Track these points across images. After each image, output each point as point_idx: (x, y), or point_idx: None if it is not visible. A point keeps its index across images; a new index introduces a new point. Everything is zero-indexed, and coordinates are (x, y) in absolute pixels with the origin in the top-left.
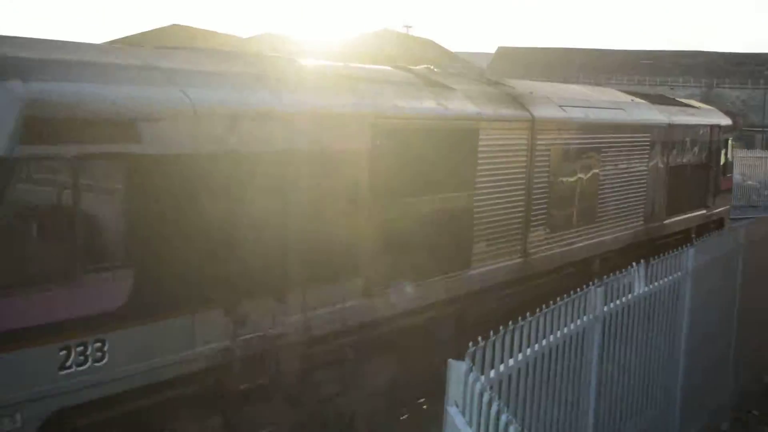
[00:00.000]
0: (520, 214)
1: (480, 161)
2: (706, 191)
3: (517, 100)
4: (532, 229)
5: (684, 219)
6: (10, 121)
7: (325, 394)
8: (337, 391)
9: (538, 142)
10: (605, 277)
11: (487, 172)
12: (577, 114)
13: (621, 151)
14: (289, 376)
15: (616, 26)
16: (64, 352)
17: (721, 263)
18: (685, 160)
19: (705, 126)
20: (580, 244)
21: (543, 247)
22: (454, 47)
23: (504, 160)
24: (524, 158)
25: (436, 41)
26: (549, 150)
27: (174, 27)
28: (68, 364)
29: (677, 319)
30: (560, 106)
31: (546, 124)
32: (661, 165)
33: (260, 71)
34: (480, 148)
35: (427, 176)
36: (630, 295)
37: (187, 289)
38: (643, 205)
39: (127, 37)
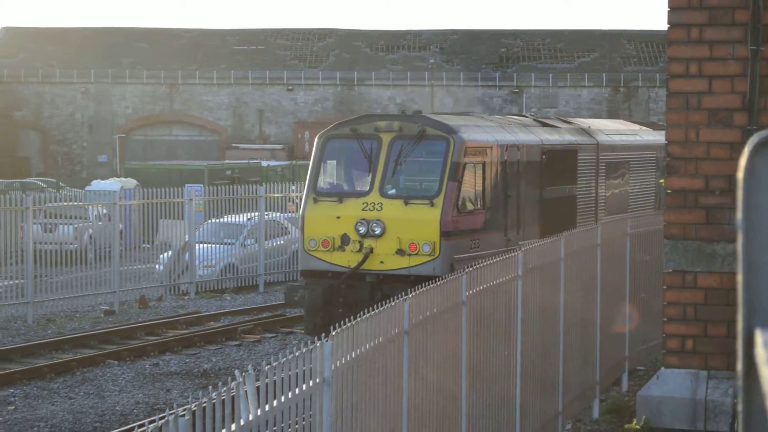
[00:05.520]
0: (593, 201)
1: (578, 168)
2: None
3: (586, 132)
4: (599, 211)
5: None
6: (462, 149)
7: None
8: None
9: (600, 158)
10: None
11: (581, 174)
12: (616, 139)
13: (640, 163)
14: None
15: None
16: (469, 242)
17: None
18: None
19: None
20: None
21: None
22: None
23: (587, 167)
24: (594, 167)
25: None
26: (605, 162)
27: None
28: (470, 246)
29: None
30: (607, 134)
31: (604, 146)
32: (661, 175)
33: (506, 123)
34: (578, 161)
35: (560, 175)
36: (234, 425)
37: (497, 221)
38: (653, 203)
39: None
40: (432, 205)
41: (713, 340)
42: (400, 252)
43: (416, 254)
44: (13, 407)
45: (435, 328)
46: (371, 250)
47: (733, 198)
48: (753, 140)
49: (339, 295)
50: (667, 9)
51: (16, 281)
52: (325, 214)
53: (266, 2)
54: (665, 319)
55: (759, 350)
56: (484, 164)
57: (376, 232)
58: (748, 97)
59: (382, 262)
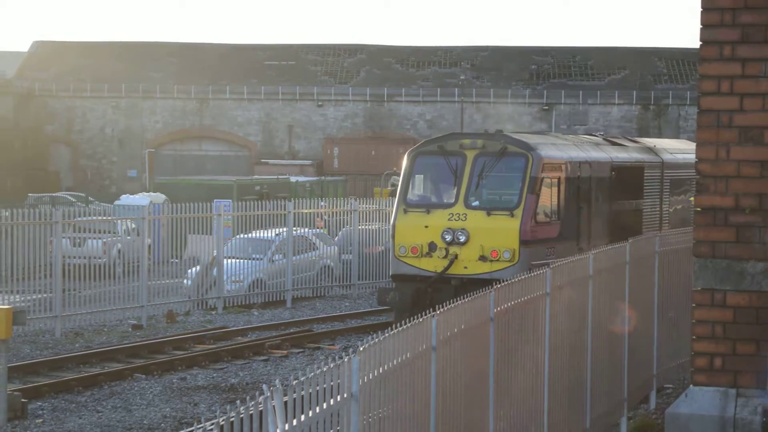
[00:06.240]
0: (657, 214)
1: (645, 184)
2: None
3: (652, 150)
4: (663, 224)
5: None
6: (539, 165)
7: None
8: None
9: (665, 175)
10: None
11: (647, 190)
12: (680, 157)
13: None
14: None
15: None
16: (545, 250)
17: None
18: None
19: None
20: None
21: None
22: None
23: (652, 183)
24: (659, 183)
25: None
26: (669, 179)
27: None
28: (546, 254)
29: None
30: (670, 153)
31: (668, 164)
32: None
33: (578, 141)
34: (645, 177)
35: (627, 190)
36: None
37: (570, 231)
38: None
39: None
40: (512, 215)
41: (742, 358)
42: (483, 258)
43: (497, 260)
44: (41, 420)
45: (462, 345)
46: (456, 257)
47: (764, 216)
48: None
49: (426, 297)
50: (699, 26)
51: (45, 295)
52: (414, 224)
53: (297, 18)
54: (694, 337)
55: None
56: (559, 179)
57: (461, 240)
58: None
59: (465, 267)
